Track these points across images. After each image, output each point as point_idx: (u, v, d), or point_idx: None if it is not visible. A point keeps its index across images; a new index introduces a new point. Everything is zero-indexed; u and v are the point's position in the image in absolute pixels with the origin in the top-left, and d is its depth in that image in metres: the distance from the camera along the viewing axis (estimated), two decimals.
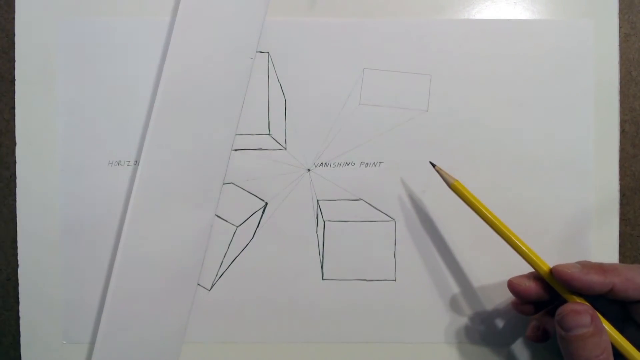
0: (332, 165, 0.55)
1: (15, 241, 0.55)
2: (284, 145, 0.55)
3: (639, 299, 0.46)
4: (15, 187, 0.55)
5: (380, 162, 0.55)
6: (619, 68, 0.55)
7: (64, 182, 0.55)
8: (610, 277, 0.46)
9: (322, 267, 0.55)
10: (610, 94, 0.55)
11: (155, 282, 0.53)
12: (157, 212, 0.53)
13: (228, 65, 0.54)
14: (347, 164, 0.55)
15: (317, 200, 0.55)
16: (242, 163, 0.55)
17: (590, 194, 0.55)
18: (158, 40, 0.55)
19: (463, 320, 0.55)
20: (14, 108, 0.55)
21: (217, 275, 0.55)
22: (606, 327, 0.46)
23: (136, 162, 0.55)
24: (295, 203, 0.55)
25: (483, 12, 0.55)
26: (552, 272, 0.47)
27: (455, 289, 0.55)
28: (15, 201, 0.55)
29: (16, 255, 0.55)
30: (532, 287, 0.49)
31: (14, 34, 0.55)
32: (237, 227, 0.55)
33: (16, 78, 0.55)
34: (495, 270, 0.54)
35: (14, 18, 0.55)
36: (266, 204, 0.55)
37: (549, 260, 0.48)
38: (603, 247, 0.55)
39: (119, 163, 0.55)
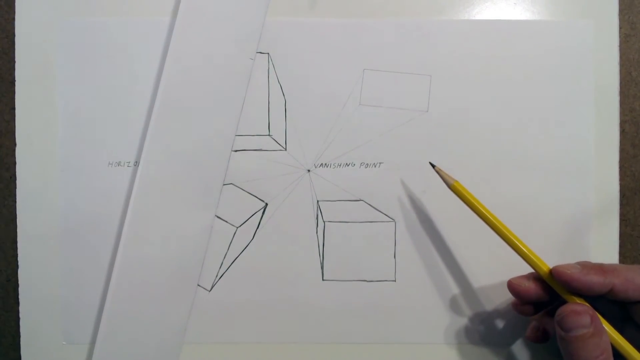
0: (332, 166, 0.55)
1: (15, 241, 0.55)
2: (284, 146, 0.55)
3: (639, 300, 0.46)
4: (15, 187, 0.55)
5: (380, 163, 0.55)
6: (619, 69, 0.55)
7: (64, 182, 0.55)
8: (610, 278, 0.46)
9: (322, 267, 0.55)
10: (610, 94, 0.55)
11: (155, 282, 0.53)
12: (157, 213, 0.53)
13: (228, 66, 0.54)
14: (347, 164, 0.55)
15: (317, 201, 0.55)
16: (242, 164, 0.55)
17: (590, 194, 0.55)
18: (158, 40, 0.55)
19: (463, 321, 0.55)
20: (14, 108, 0.55)
21: (217, 275, 0.55)
22: (606, 327, 0.46)
23: (136, 163, 0.55)
24: (296, 204, 0.55)
25: (483, 13, 0.55)
26: (552, 272, 0.47)
27: (455, 289, 0.55)
28: (15, 202, 0.55)
29: (16, 255, 0.55)
30: (531, 287, 0.49)
31: (14, 34, 0.55)
32: (237, 227, 0.55)
33: (16, 78, 0.55)
34: (495, 271, 0.55)
35: (14, 18, 0.55)
36: (266, 204, 0.55)
37: (549, 260, 0.48)
38: (603, 247, 0.55)
39: (119, 163, 0.55)
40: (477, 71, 0.55)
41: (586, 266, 0.47)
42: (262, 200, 0.55)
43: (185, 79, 0.53)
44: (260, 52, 0.55)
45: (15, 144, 0.55)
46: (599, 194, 0.55)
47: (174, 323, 0.54)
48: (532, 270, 0.49)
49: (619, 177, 0.55)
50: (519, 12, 0.55)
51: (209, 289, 0.55)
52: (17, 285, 0.55)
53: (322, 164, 0.55)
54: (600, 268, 0.46)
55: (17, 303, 0.55)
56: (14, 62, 0.55)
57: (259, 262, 0.55)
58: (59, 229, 0.55)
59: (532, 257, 0.48)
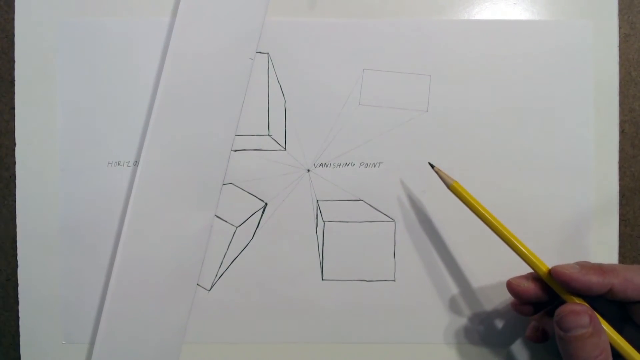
0: (332, 166, 0.55)
1: (15, 241, 0.55)
2: (284, 146, 0.55)
3: (638, 300, 0.46)
4: (15, 187, 0.55)
5: (380, 163, 0.55)
6: (619, 68, 0.55)
7: (64, 182, 0.55)
8: (609, 278, 0.46)
9: (321, 267, 0.55)
10: (609, 94, 0.55)
11: (155, 282, 0.53)
12: (157, 212, 0.53)
13: (228, 66, 0.54)
14: (346, 164, 0.55)
15: (317, 201, 0.55)
16: (241, 163, 0.55)
17: (590, 194, 0.55)
18: (158, 40, 0.55)
19: (462, 321, 0.55)
20: (14, 108, 0.55)
21: (216, 275, 0.55)
22: (605, 327, 0.46)
23: (136, 162, 0.55)
24: (295, 203, 0.55)
25: (483, 13, 0.55)
26: (551, 272, 0.47)
27: (454, 289, 0.55)
28: (15, 201, 0.55)
29: (16, 255, 0.55)
30: (531, 287, 0.49)
31: (14, 34, 0.55)
32: (236, 227, 0.55)
33: (16, 78, 0.55)
34: (494, 271, 0.55)
35: (14, 18, 0.55)
36: (266, 204, 0.55)
37: (549, 260, 0.48)
38: (603, 247, 0.55)
39: (118, 163, 0.55)
40: (477, 71, 0.55)
41: (585, 266, 0.47)
42: (262, 200, 0.55)
43: (185, 79, 0.53)
44: (260, 52, 0.55)
45: (15, 144, 0.55)
46: (598, 194, 0.55)
47: (174, 323, 0.54)
48: (531, 271, 0.49)
49: (618, 177, 0.55)
50: (519, 12, 0.55)
51: (209, 288, 0.55)
52: (17, 285, 0.55)
53: (321, 163, 0.55)
54: (599, 268, 0.46)
55: (17, 303, 0.55)
56: (14, 62, 0.55)
57: (258, 261, 0.55)
58: (59, 229, 0.55)
59: (531, 257, 0.48)
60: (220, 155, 0.54)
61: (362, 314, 0.55)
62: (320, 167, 0.55)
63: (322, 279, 0.55)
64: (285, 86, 0.55)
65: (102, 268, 0.55)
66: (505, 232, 0.49)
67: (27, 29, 0.55)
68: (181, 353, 0.55)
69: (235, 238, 0.55)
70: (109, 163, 0.55)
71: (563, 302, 0.47)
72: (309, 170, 0.55)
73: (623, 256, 0.55)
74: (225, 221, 0.55)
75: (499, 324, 0.55)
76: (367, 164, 0.55)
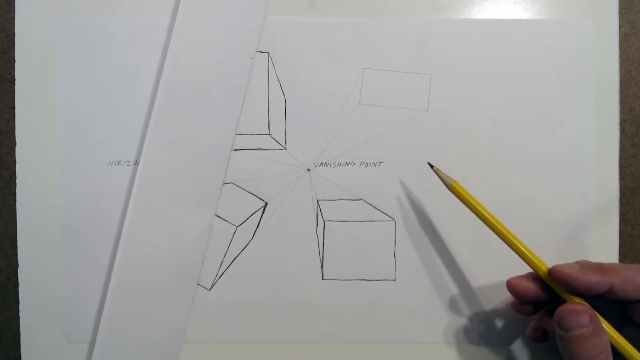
0: (332, 165, 0.55)
1: (15, 241, 0.55)
2: (284, 145, 0.55)
3: (638, 299, 0.46)
4: (15, 187, 0.55)
5: (380, 162, 0.55)
6: (619, 68, 0.55)
7: (64, 182, 0.55)
8: (609, 277, 0.46)
9: (322, 267, 0.55)
10: (610, 93, 0.55)
11: (155, 282, 0.53)
12: (157, 212, 0.53)
13: (228, 65, 0.54)
14: (347, 164, 0.55)
15: (317, 200, 0.55)
16: (242, 163, 0.55)
17: (590, 193, 0.55)
18: (158, 40, 0.55)
19: (462, 320, 0.55)
20: (14, 108, 0.55)
21: (217, 275, 0.55)
22: (605, 327, 0.46)
23: (136, 162, 0.55)
24: (295, 203, 0.55)
25: (483, 12, 0.55)
26: (551, 272, 0.47)
27: (454, 289, 0.55)
28: (15, 201, 0.55)
29: (16, 255, 0.55)
30: (531, 287, 0.49)
31: (14, 34, 0.55)
32: (237, 227, 0.55)
33: (16, 78, 0.55)
34: (494, 271, 0.54)
35: (14, 18, 0.55)
36: (266, 204, 0.55)
37: (549, 260, 0.48)
38: (603, 247, 0.55)
39: (118, 163, 0.55)
40: (477, 70, 0.55)
41: (585, 266, 0.47)
42: (262, 200, 0.55)
43: (185, 79, 0.53)
44: (260, 52, 0.55)
45: (15, 144, 0.55)
46: (599, 194, 0.55)
47: (174, 322, 0.54)
48: (531, 270, 0.49)
49: (618, 177, 0.55)
50: (519, 11, 0.55)
51: (209, 288, 0.55)
52: (17, 285, 0.55)
53: (322, 163, 0.55)
54: (599, 267, 0.46)
55: (17, 302, 0.55)
56: (14, 61, 0.55)
57: (258, 261, 0.55)
58: (59, 228, 0.55)
59: (531, 257, 0.48)
60: (220, 154, 0.54)
61: (362, 313, 0.55)
62: (321, 166, 0.55)
63: (322, 279, 0.55)
64: (285, 86, 0.55)
65: (102, 268, 0.55)
66: (505, 232, 0.49)
67: (27, 28, 0.55)
68: (181, 353, 0.55)
69: (235, 238, 0.55)
70: (109, 163, 0.55)
71: (563, 301, 0.47)
72: (309, 170, 0.55)
73: (623, 255, 0.55)
74: (226, 221, 0.55)
75: (499, 323, 0.55)
76: (367, 163, 0.55)
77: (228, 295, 0.55)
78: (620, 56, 0.55)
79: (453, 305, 0.55)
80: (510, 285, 0.50)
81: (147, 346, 0.53)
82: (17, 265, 0.55)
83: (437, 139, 0.55)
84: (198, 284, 0.55)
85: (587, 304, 0.46)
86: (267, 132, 0.55)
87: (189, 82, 0.53)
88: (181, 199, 0.53)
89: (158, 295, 0.53)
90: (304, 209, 0.55)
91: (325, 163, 0.55)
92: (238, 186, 0.55)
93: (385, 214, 0.55)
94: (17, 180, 0.55)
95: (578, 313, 0.45)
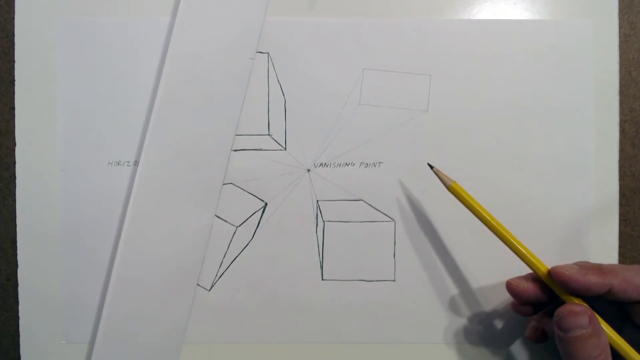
0: (332, 166, 0.55)
1: (15, 241, 0.55)
2: (284, 146, 0.55)
3: (638, 300, 0.46)
4: (15, 187, 0.55)
5: (380, 163, 0.55)
6: (619, 68, 0.55)
7: (64, 182, 0.55)
8: (609, 278, 0.46)
9: (321, 267, 0.55)
10: (610, 94, 0.55)
11: (155, 281, 0.53)
12: (157, 212, 0.53)
13: (228, 66, 0.54)
14: (346, 164, 0.55)
15: (317, 201, 0.55)
16: (241, 163, 0.55)
17: (590, 194, 0.55)
18: (158, 40, 0.55)
19: (462, 321, 0.55)
20: (14, 108, 0.55)
21: (216, 275, 0.55)
22: (604, 328, 0.46)
23: (136, 162, 0.55)
24: (295, 203, 0.55)
25: (483, 12, 0.55)
26: (551, 273, 0.47)
27: (454, 289, 0.55)
28: (15, 201, 0.55)
29: (16, 255, 0.55)
30: (530, 288, 0.49)
31: (14, 34, 0.55)
32: (236, 227, 0.55)
33: (16, 78, 0.55)
34: (494, 271, 0.55)
35: (14, 18, 0.55)
36: (266, 204, 0.55)
37: (549, 260, 0.48)
38: (603, 247, 0.55)
39: (118, 163, 0.55)
40: (477, 71, 0.55)
41: (584, 267, 0.47)
42: (262, 200, 0.55)
43: (185, 79, 0.53)
44: (260, 52, 0.55)
45: (15, 144, 0.55)
46: (598, 194, 0.55)
47: (174, 323, 0.54)
48: (531, 271, 0.49)
49: (618, 177, 0.55)
50: (519, 12, 0.55)
51: (209, 288, 0.55)
52: (17, 285, 0.55)
53: (321, 163, 0.55)
54: (599, 268, 0.46)
55: (17, 303, 0.55)
56: (14, 62, 0.55)
57: (258, 261, 0.55)
58: (59, 229, 0.55)
59: (530, 258, 0.48)
60: (220, 155, 0.54)
61: (361, 313, 0.55)
62: (320, 167, 0.55)
63: (322, 279, 0.55)
64: (285, 86, 0.55)
65: (102, 268, 0.55)
66: (504, 233, 0.49)
67: (27, 28, 0.55)
68: (181, 353, 0.55)
69: (235, 238, 0.55)
70: (109, 163, 0.55)
71: (563, 302, 0.47)
72: (309, 170, 0.55)
73: (623, 256, 0.55)
74: (225, 221, 0.55)
75: (499, 324, 0.55)
76: (367, 163, 0.55)
77: (228, 295, 0.55)
78: (620, 56, 0.55)
79: (452, 306, 0.55)
80: (510, 286, 0.50)
81: (147, 346, 0.54)
82: (17, 265, 0.55)
83: (437, 139, 0.55)
84: (198, 285, 0.55)
85: (586, 305, 0.46)
86: (267, 133, 0.55)
87: (189, 82, 0.53)
88: (181, 199, 0.53)
89: (158, 295, 0.53)
90: (303, 210, 0.55)
91: (325, 163, 0.55)
92: (238, 186, 0.55)
93: (385, 214, 0.55)
94: (17, 181, 0.55)
95: (577, 314, 0.45)
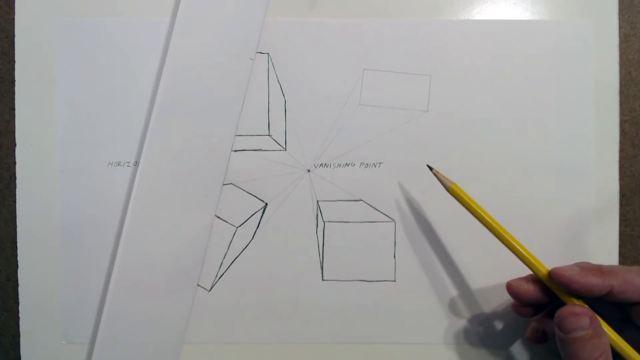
0: (332, 166, 0.55)
1: (15, 241, 0.55)
2: (284, 146, 0.55)
3: (638, 301, 0.46)
4: (15, 187, 0.55)
5: (380, 163, 0.55)
6: (619, 68, 0.55)
7: (64, 183, 0.55)
8: (609, 280, 0.46)
9: (322, 267, 0.55)
10: (610, 94, 0.55)
11: (155, 282, 0.53)
12: (157, 213, 0.53)
13: (228, 66, 0.54)
14: (347, 164, 0.55)
15: (317, 201, 0.55)
16: (242, 164, 0.55)
17: (590, 194, 0.55)
18: (158, 40, 0.55)
19: (462, 322, 0.55)
20: (14, 108, 0.55)
21: (217, 275, 0.55)
22: (605, 329, 0.46)
23: (136, 163, 0.55)
24: (295, 204, 0.55)
25: (483, 13, 0.55)
26: (551, 274, 0.47)
27: (454, 290, 0.55)
28: (15, 202, 0.55)
29: (16, 255, 0.55)
30: (530, 289, 0.49)
31: (14, 34, 0.55)
32: (237, 227, 0.55)
33: (16, 78, 0.55)
34: (494, 272, 0.55)
35: (14, 18, 0.55)
36: (266, 204, 0.55)
37: (549, 260, 0.49)
38: (603, 247, 0.55)
39: (118, 163, 0.55)
40: (477, 71, 0.55)
41: (585, 268, 0.47)
42: (262, 200, 0.55)
43: (185, 79, 0.53)
44: (260, 52, 0.55)
45: (15, 144, 0.55)
46: (598, 194, 0.55)
47: (174, 323, 0.54)
48: (531, 272, 0.49)
49: (618, 177, 0.55)
50: (519, 12, 0.55)
51: (209, 288, 0.55)
52: (17, 285, 0.55)
53: (321, 164, 0.55)
54: (599, 270, 0.47)
55: (17, 303, 0.55)
56: (14, 62, 0.55)
57: (258, 262, 0.55)
58: (59, 229, 0.55)
59: (530, 259, 0.48)
60: (220, 155, 0.54)
61: (362, 314, 0.55)
62: (321, 167, 0.55)
63: (322, 279, 0.55)
64: (285, 86, 0.55)
65: (102, 268, 0.55)
66: (504, 235, 0.49)
67: (27, 28, 0.55)
68: (181, 353, 0.55)
69: (235, 238, 0.55)
70: (109, 163, 0.55)
71: (563, 303, 0.47)
72: (309, 171, 0.55)
73: (623, 256, 0.55)
74: (226, 221, 0.55)
75: (499, 325, 0.55)
76: (367, 164, 0.55)
77: (228, 295, 0.55)
78: (620, 57, 0.55)
79: (453, 307, 0.55)
80: (510, 288, 0.50)
81: (147, 346, 0.54)
82: (16, 265, 0.55)
83: (437, 140, 0.55)
84: (198, 285, 0.55)
85: (587, 306, 0.46)
86: (267, 133, 0.55)
87: (189, 82, 0.53)
88: (181, 199, 0.53)
89: (158, 296, 0.53)
90: (303, 210, 0.55)
91: (325, 164, 0.55)
92: (238, 187, 0.55)
93: (385, 214, 0.55)
94: (17, 181, 0.55)
95: (578, 315, 0.45)
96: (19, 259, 0.55)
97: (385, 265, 0.55)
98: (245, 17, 0.54)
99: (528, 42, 0.55)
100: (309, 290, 0.55)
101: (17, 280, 0.55)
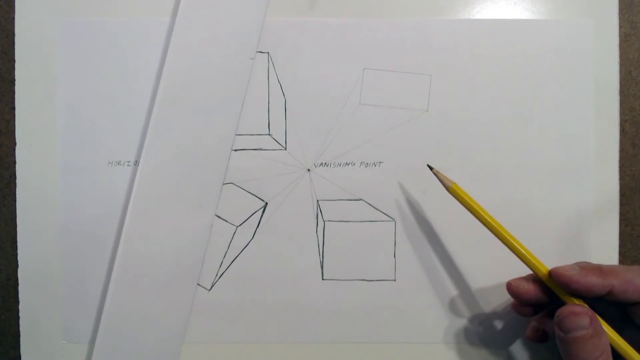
0: (332, 166, 0.55)
1: (15, 241, 0.55)
2: (284, 146, 0.55)
3: (638, 301, 0.46)
4: (15, 187, 0.55)
5: (380, 162, 0.55)
6: (619, 68, 0.55)
7: (64, 182, 0.55)
8: (609, 279, 0.46)
9: (322, 267, 0.55)
10: (610, 93, 0.55)
11: (155, 282, 0.53)
12: (157, 212, 0.53)
13: (228, 66, 0.54)
14: (347, 164, 0.55)
15: (317, 201, 0.55)
16: (242, 163, 0.55)
17: (590, 193, 0.55)
18: (158, 40, 0.55)
19: (462, 321, 0.55)
20: (14, 108, 0.55)
21: (217, 275, 0.55)
22: (605, 328, 0.46)
23: (136, 162, 0.55)
24: (295, 203, 0.55)
25: (483, 12, 0.55)
26: (551, 274, 0.47)
27: (454, 290, 0.55)
28: (15, 201, 0.55)
29: (16, 255, 0.55)
30: (531, 289, 0.49)
31: (14, 34, 0.55)
32: (237, 227, 0.55)
33: (16, 78, 0.55)
34: (494, 272, 0.54)
35: (14, 18, 0.55)
36: (266, 204, 0.55)
37: (549, 260, 0.49)
38: (603, 247, 0.55)
39: (119, 163, 0.55)
40: (477, 70, 0.55)
41: (585, 268, 0.47)
42: (262, 200, 0.55)
43: (185, 79, 0.53)
44: (260, 52, 0.55)
45: (15, 144, 0.55)
46: (599, 194, 0.55)
47: (174, 322, 0.54)
48: (531, 272, 0.49)
49: (619, 177, 0.55)
50: (519, 12, 0.55)
51: (209, 288, 0.55)
52: (17, 285, 0.55)
53: (322, 163, 0.55)
54: (599, 269, 0.47)
55: (17, 303, 0.55)
56: (14, 62, 0.55)
57: (258, 261, 0.55)
58: (59, 229, 0.55)
59: (530, 259, 0.48)
60: (221, 154, 0.54)
61: (362, 313, 0.55)
62: (321, 166, 0.55)
63: (322, 279, 0.55)
64: (285, 86, 0.55)
65: (102, 267, 0.55)
66: (504, 234, 0.49)
67: (27, 28, 0.55)
68: (181, 353, 0.55)
69: (235, 238, 0.55)
70: (109, 163, 0.55)
71: (563, 302, 0.47)
72: (309, 170, 0.55)
73: (623, 256, 0.55)
74: (226, 221, 0.55)
75: (499, 324, 0.55)
76: (367, 163, 0.55)
77: (228, 295, 0.55)
78: (620, 56, 0.55)
79: (453, 306, 0.55)
80: (510, 287, 0.50)
81: (147, 346, 0.54)
82: (17, 265, 0.55)
83: (437, 140, 0.55)
84: (198, 284, 0.55)
85: (587, 305, 0.46)
86: (267, 133, 0.55)
87: (189, 82, 0.53)
88: (181, 199, 0.53)
89: (158, 295, 0.53)
90: (303, 209, 0.55)
91: (325, 163, 0.55)
92: (238, 186, 0.55)
93: (385, 214, 0.55)
94: (17, 181, 0.55)
95: (578, 315, 0.45)
96: (19, 258, 0.55)
97: (385, 265, 0.55)
98: (245, 17, 0.54)
99: (528, 42, 0.55)
100: (309, 289, 0.55)
101: (17, 280, 0.55)
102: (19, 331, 0.55)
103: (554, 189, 0.55)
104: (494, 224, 0.49)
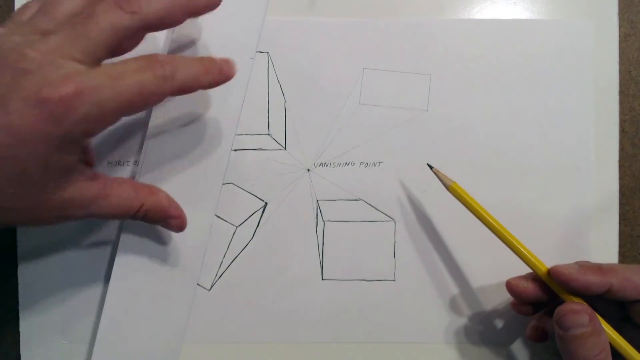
0: (332, 166, 0.55)
1: (15, 241, 0.55)
2: (284, 146, 0.55)
3: (637, 299, 0.46)
4: None
5: (380, 162, 0.55)
6: (619, 68, 0.55)
7: None
8: (608, 278, 0.46)
9: (321, 267, 0.55)
10: (610, 93, 0.55)
11: (155, 281, 0.53)
12: None
13: None
14: (346, 164, 0.55)
15: (317, 201, 0.55)
16: (242, 163, 0.55)
17: (589, 193, 0.55)
18: (158, 39, 0.55)
19: (462, 321, 0.55)
20: None
21: (216, 275, 0.55)
22: (604, 327, 0.46)
23: (136, 162, 0.55)
24: (295, 203, 0.55)
25: (483, 12, 0.55)
26: (550, 272, 0.47)
27: (454, 289, 0.55)
28: None
29: (16, 255, 0.55)
30: (530, 288, 0.49)
31: None
32: (236, 227, 0.55)
33: None
34: (494, 271, 0.54)
35: None
36: (266, 204, 0.55)
37: (549, 260, 0.49)
38: (603, 247, 0.55)
39: (118, 163, 0.55)
40: (477, 70, 0.55)
41: (584, 266, 0.47)
42: (262, 200, 0.55)
43: None
44: (260, 52, 0.55)
45: None
46: (598, 194, 0.55)
47: (174, 322, 0.54)
48: (531, 271, 0.49)
49: (618, 177, 0.55)
50: (519, 12, 0.55)
51: (209, 288, 0.55)
52: (17, 285, 0.55)
53: (321, 163, 0.55)
54: (598, 268, 0.47)
55: (17, 303, 0.55)
56: None
57: (258, 261, 0.55)
58: (59, 229, 0.55)
59: (530, 257, 0.48)
60: (220, 154, 0.54)
61: (362, 313, 0.55)
62: (320, 166, 0.55)
63: (322, 279, 0.55)
64: (285, 85, 0.55)
65: (102, 268, 0.55)
66: (504, 233, 0.49)
67: None
68: (181, 353, 0.55)
69: (235, 238, 0.55)
70: (109, 163, 0.55)
71: (562, 301, 0.47)
72: (309, 170, 0.55)
73: (623, 255, 0.55)
74: (225, 221, 0.55)
75: (499, 323, 0.55)
76: (367, 163, 0.55)
77: (228, 295, 0.55)
78: (620, 56, 0.55)
79: (453, 306, 0.55)
80: (510, 286, 0.50)
81: (147, 346, 0.53)
82: (17, 265, 0.55)
83: (437, 140, 0.55)
84: (198, 285, 0.55)
85: (586, 304, 0.46)
86: (267, 133, 0.55)
87: None
88: (181, 199, 0.53)
89: (158, 296, 0.53)
90: (303, 209, 0.55)
91: (325, 163, 0.55)
92: (238, 186, 0.55)
93: (385, 214, 0.55)
94: None
95: (577, 313, 0.45)
96: (19, 258, 0.55)
97: (385, 265, 0.55)
98: (245, 17, 0.54)
99: (528, 42, 0.55)
100: (309, 289, 0.55)
101: (17, 280, 0.55)
102: (19, 331, 0.55)
103: (553, 188, 0.55)
104: (493, 223, 0.49)
